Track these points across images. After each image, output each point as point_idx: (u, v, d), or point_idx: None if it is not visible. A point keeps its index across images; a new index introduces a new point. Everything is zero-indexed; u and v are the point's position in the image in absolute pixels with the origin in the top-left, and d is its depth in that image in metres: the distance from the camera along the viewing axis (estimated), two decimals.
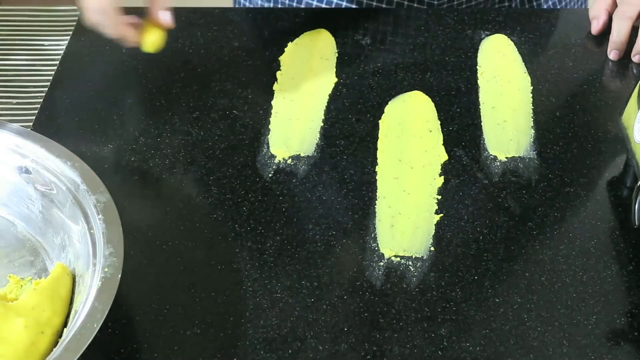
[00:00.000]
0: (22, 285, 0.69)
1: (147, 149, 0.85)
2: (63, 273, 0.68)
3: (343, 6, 1.04)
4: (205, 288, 0.71)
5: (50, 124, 0.89)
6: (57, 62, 0.96)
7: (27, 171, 0.74)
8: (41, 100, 0.91)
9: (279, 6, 1.08)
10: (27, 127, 0.87)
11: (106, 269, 0.63)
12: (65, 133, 0.87)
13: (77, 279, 0.68)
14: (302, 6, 1.06)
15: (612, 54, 0.96)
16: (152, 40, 0.85)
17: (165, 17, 0.84)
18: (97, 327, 0.60)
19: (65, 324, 0.65)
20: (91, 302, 0.62)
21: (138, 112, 0.90)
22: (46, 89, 0.92)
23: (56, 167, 0.72)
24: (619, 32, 0.96)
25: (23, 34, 1.01)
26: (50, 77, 0.94)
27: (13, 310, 0.63)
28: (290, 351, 0.66)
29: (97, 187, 0.70)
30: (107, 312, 0.61)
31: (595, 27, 0.99)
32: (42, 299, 0.65)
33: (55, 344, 0.63)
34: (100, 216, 0.68)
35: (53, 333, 0.64)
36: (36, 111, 0.89)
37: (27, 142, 0.74)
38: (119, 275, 0.63)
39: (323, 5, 1.06)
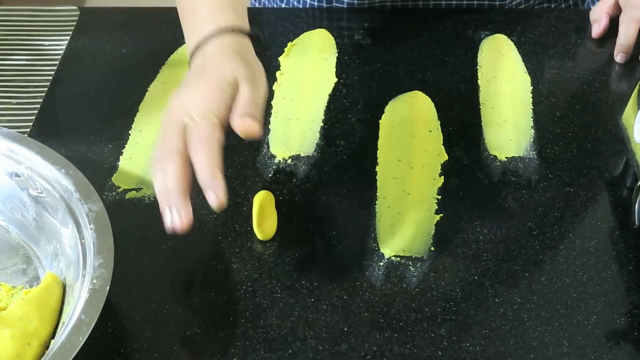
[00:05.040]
0: (13, 294, 0.69)
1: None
2: (53, 283, 0.67)
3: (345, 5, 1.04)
4: (205, 288, 0.71)
5: (50, 124, 0.89)
6: (57, 62, 0.96)
7: (21, 177, 0.73)
8: (41, 100, 0.91)
9: (284, 6, 1.08)
10: (27, 126, 0.87)
11: (94, 281, 0.63)
12: (65, 133, 0.87)
13: (67, 289, 0.67)
14: (301, 6, 1.06)
15: (619, 57, 0.96)
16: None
17: (245, 125, 0.65)
18: (82, 340, 0.59)
19: (54, 335, 0.64)
20: (78, 315, 0.61)
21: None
22: (46, 89, 0.92)
23: (50, 174, 0.72)
24: (627, 35, 0.95)
25: (23, 34, 1.01)
26: (50, 77, 0.94)
27: (0, 321, 0.63)
28: (290, 351, 0.66)
29: (90, 196, 0.70)
30: (93, 325, 0.60)
31: (596, 30, 0.99)
32: (30, 310, 0.64)
33: (42, 355, 0.62)
34: (91, 226, 0.67)
35: (40, 344, 0.63)
36: (36, 111, 0.89)
37: (22, 148, 0.74)
38: (107, 288, 0.62)
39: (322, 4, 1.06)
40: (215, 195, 0.61)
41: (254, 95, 0.67)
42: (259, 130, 0.65)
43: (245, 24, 0.75)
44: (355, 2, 1.03)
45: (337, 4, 1.04)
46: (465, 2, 1.04)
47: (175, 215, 0.61)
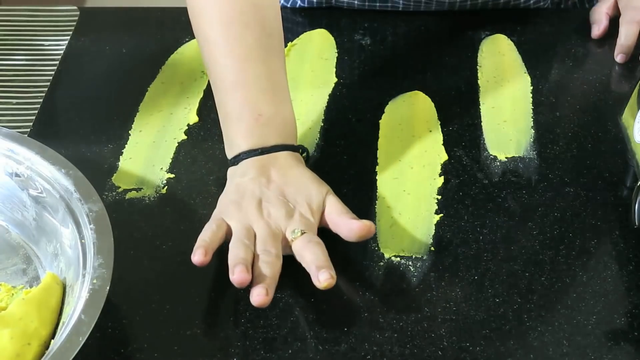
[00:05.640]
0: (13, 294, 0.69)
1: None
2: (53, 283, 0.67)
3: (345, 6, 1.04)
4: (206, 288, 0.71)
5: (50, 124, 0.89)
6: (57, 62, 0.96)
7: (21, 177, 0.73)
8: (41, 100, 0.91)
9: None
10: (27, 126, 0.87)
11: (94, 281, 0.63)
12: (65, 133, 0.87)
13: (67, 289, 0.67)
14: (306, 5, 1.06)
15: (619, 58, 0.96)
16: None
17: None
18: (82, 340, 0.59)
19: (54, 335, 0.64)
20: (78, 315, 0.61)
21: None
22: (46, 89, 0.92)
23: (50, 174, 0.72)
24: (627, 36, 0.96)
25: (23, 34, 1.01)
26: (50, 77, 0.94)
27: (0, 321, 0.63)
28: (290, 351, 0.66)
29: (90, 196, 0.69)
30: (93, 325, 0.60)
31: (596, 31, 0.99)
32: (29, 310, 0.64)
33: (42, 355, 0.62)
34: (91, 226, 0.67)
35: (40, 344, 0.63)
36: (36, 111, 0.89)
37: (22, 148, 0.74)
38: (107, 288, 0.62)
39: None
40: (330, 275, 0.67)
41: (341, 203, 0.74)
42: (374, 225, 0.72)
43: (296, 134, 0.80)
44: (356, 3, 1.03)
45: (338, 3, 1.04)
46: (469, 1, 1.03)
47: (263, 291, 0.67)
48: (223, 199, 0.74)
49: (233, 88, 0.78)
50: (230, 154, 0.77)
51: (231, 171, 0.76)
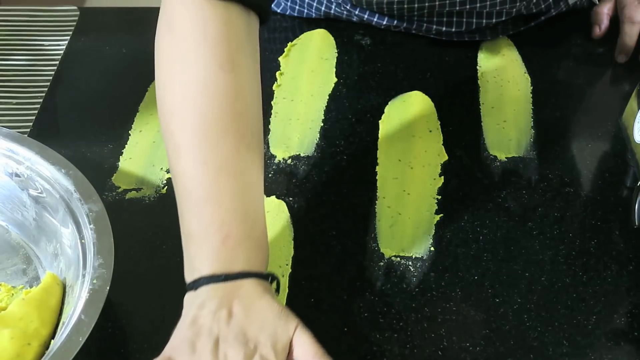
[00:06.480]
0: (13, 294, 0.69)
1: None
2: (53, 283, 0.67)
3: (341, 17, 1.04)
4: None
5: (50, 124, 0.89)
6: (57, 62, 0.96)
7: (21, 177, 0.73)
8: (41, 100, 0.91)
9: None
10: (27, 126, 0.87)
11: (94, 281, 0.63)
12: (65, 133, 0.87)
13: (67, 289, 0.67)
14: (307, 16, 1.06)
15: (619, 58, 0.96)
16: None
17: None
18: (82, 340, 0.59)
19: (54, 335, 0.64)
20: (78, 315, 0.61)
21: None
22: (46, 89, 0.92)
23: (50, 174, 0.72)
24: (627, 36, 0.96)
25: (23, 34, 1.01)
26: (50, 77, 0.94)
27: (0, 321, 0.63)
28: None
29: (90, 196, 0.70)
30: (93, 325, 0.60)
31: (597, 31, 1.00)
32: (30, 310, 0.64)
33: (42, 355, 0.62)
34: (92, 226, 0.67)
35: (40, 344, 0.63)
36: (36, 111, 0.89)
37: (22, 148, 0.74)
38: (107, 288, 0.62)
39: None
40: None
41: (312, 341, 0.63)
42: None
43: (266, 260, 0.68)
44: (355, 18, 1.02)
45: (336, 14, 1.03)
46: (467, 37, 1.02)
47: None
48: (177, 334, 0.63)
49: (201, 203, 0.66)
50: (189, 277, 0.65)
51: (189, 298, 0.64)
